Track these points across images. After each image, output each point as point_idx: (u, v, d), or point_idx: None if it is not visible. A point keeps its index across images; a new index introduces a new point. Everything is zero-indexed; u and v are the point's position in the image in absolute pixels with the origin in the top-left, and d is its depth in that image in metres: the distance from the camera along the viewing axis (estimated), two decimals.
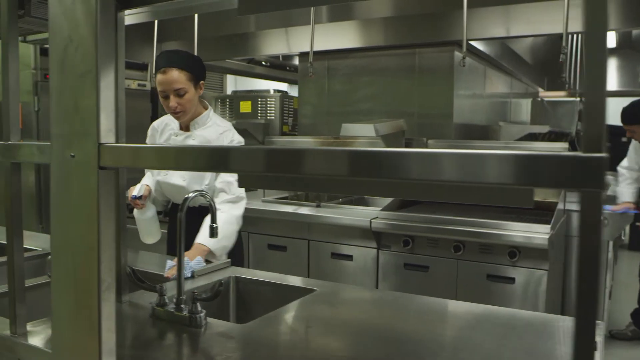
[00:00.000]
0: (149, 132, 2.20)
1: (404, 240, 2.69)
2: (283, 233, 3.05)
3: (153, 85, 5.21)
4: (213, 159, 0.87)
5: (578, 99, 4.83)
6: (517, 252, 2.45)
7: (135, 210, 1.99)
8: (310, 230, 2.99)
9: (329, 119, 3.96)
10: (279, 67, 5.73)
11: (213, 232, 1.31)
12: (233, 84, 7.25)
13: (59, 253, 0.98)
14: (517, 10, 3.37)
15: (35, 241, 2.22)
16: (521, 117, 5.60)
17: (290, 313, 1.27)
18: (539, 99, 5.58)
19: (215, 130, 2.03)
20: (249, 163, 0.78)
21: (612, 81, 6.49)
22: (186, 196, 1.25)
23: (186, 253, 1.76)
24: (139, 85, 4.96)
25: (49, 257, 1.95)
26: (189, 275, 1.55)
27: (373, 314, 1.30)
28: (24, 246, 2.05)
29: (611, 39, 5.49)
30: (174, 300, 1.20)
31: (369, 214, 2.83)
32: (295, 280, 1.58)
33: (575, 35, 4.56)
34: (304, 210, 3.01)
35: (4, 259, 1.89)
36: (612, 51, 6.28)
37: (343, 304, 1.36)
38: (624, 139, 6.20)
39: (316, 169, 0.76)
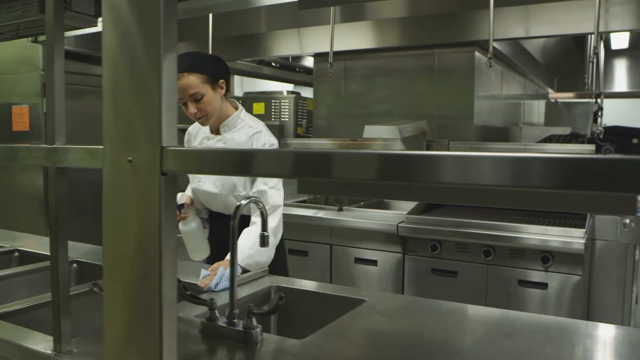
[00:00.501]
0: (185, 137, 2.11)
1: (431, 244, 2.62)
2: (304, 237, 2.97)
3: None
4: (286, 164, 0.79)
5: (593, 100, 4.77)
6: (550, 257, 2.38)
7: (179, 223, 1.92)
8: (332, 235, 2.91)
9: (345, 120, 3.89)
10: (288, 68, 5.66)
11: (264, 241, 1.24)
12: (239, 85, 7.18)
13: (114, 267, 0.90)
14: (536, 10, 3.31)
15: (35, 243, 2.13)
16: (533, 119, 5.54)
17: (348, 326, 1.19)
18: (553, 100, 5.52)
19: (246, 132, 1.94)
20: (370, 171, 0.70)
21: (622, 82, 6.44)
22: (238, 204, 1.17)
23: (216, 264, 1.67)
24: None
25: (75, 264, 1.88)
26: (227, 285, 1.48)
27: (434, 326, 1.23)
28: (45, 253, 1.98)
29: (624, 40, 5.44)
30: (226, 314, 1.12)
31: (394, 217, 2.75)
32: (339, 290, 1.50)
33: (592, 36, 4.50)
34: (326, 214, 2.93)
35: (24, 268, 1.81)
36: (623, 52, 6.23)
37: (399, 315, 1.29)
38: (634, 141, 6.14)
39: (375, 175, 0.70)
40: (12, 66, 4.17)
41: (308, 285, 1.52)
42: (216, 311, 1.14)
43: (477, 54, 3.47)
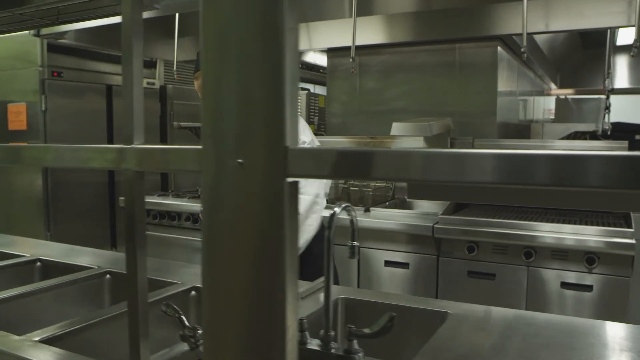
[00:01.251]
0: None
1: (468, 246, 2.51)
2: None
3: (162, 83, 4.95)
4: (403, 164, 0.66)
5: (604, 96, 4.72)
6: (595, 258, 2.29)
7: None
8: (360, 237, 2.78)
9: (360, 118, 3.77)
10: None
11: (354, 253, 1.11)
12: None
13: (219, 293, 0.76)
14: (557, 3, 3.23)
15: (53, 251, 1.96)
16: (539, 115, 5.49)
17: (449, 344, 1.07)
18: (564, 97, 5.48)
19: None
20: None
21: (624, 79, 6.43)
22: (332, 212, 1.05)
23: None
24: (147, 83, 4.70)
25: (107, 275, 1.72)
26: None
27: (541, 342, 1.11)
28: (70, 262, 1.81)
29: (630, 36, 5.41)
30: (320, 336, 0.99)
31: (427, 218, 2.64)
32: (413, 300, 1.38)
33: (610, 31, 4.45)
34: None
35: (53, 281, 1.63)
36: (625, 48, 6.21)
37: (500, 330, 1.17)
38: (638, 137, 6.15)
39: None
40: (7, 62, 3.95)
41: (377, 296, 1.39)
42: (306, 333, 1.01)
43: (499, 49, 3.37)
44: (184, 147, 0.81)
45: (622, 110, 6.14)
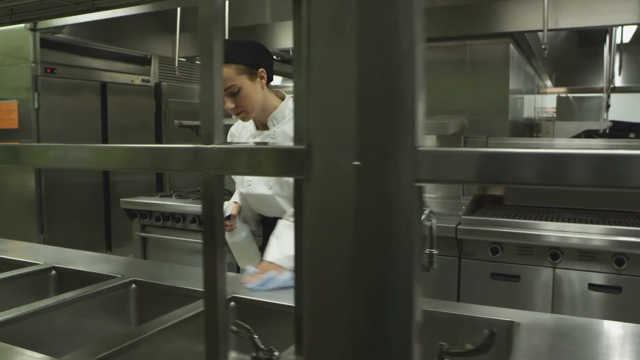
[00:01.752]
0: (228, 139, 1.89)
1: (492, 247, 2.45)
2: None
3: (157, 81, 4.80)
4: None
5: (606, 95, 4.73)
6: (625, 259, 2.25)
7: (226, 233, 1.70)
8: None
9: None
10: (289, 62, 5.42)
11: (432, 261, 1.03)
12: None
13: (328, 312, 0.67)
14: (566, 0, 3.20)
15: (65, 257, 1.83)
16: (538, 113, 5.49)
17: (539, 356, 0.99)
18: (565, 95, 5.49)
19: None
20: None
21: (619, 77, 6.48)
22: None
23: (265, 264, 1.56)
24: (142, 80, 4.54)
25: (133, 285, 1.60)
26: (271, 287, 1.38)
27: (616, 351, 1.05)
28: (88, 270, 1.69)
29: (628, 35, 5.44)
30: None
31: (449, 219, 2.57)
32: (465, 308, 1.30)
33: (615, 29, 4.45)
34: None
35: (72, 294, 1.51)
36: (623, 47, 6.25)
37: (583, 340, 1.10)
38: (631, 135, 6.21)
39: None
40: None
41: (428, 304, 1.30)
42: None
43: (511, 46, 3.33)
44: (281, 147, 0.71)
45: (618, 108, 6.19)
